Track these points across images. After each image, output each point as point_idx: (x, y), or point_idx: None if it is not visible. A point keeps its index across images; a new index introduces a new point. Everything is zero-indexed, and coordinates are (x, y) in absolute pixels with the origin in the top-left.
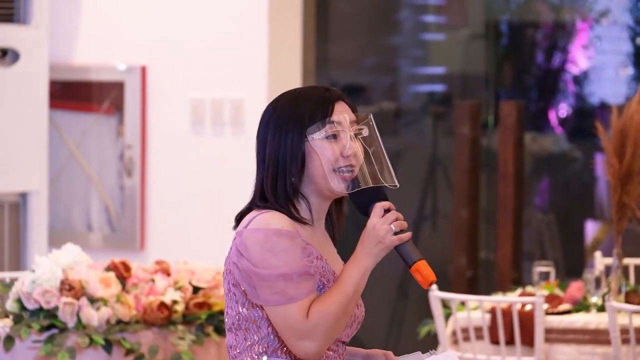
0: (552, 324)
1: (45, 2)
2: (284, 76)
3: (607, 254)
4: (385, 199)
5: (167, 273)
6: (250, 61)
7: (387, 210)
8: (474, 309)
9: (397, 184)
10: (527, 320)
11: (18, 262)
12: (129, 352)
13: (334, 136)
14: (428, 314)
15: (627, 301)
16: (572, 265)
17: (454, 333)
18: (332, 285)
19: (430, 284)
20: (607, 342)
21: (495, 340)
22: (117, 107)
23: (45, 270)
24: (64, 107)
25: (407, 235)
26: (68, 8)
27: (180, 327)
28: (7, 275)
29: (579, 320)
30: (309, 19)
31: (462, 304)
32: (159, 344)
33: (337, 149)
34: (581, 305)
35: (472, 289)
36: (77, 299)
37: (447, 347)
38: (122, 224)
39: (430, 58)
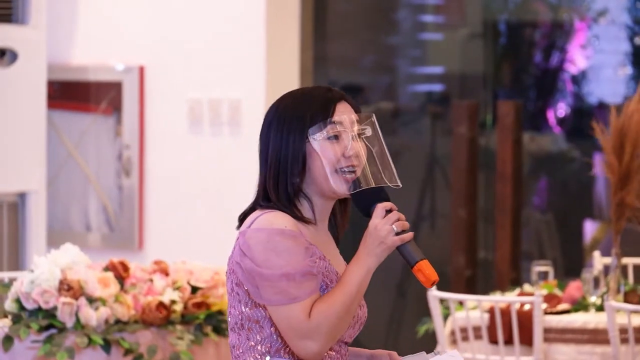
0: (550, 323)
1: (43, 2)
2: (281, 76)
3: (605, 253)
4: (387, 200)
5: (166, 273)
6: (248, 61)
7: (388, 211)
8: (473, 308)
9: (399, 184)
10: (525, 319)
11: (17, 262)
12: (127, 352)
13: (336, 137)
14: (427, 314)
15: (626, 301)
16: (571, 264)
17: (452, 333)
18: (335, 285)
19: (433, 284)
20: (606, 341)
21: (493, 340)
22: (115, 107)
23: (43, 270)
24: (62, 107)
25: (409, 235)
26: (66, 8)
27: (179, 327)
28: (5, 275)
29: (578, 319)
30: (306, 19)
31: (461, 303)
32: (158, 344)
33: (339, 149)
34: (580, 305)
35: (471, 289)
36: (76, 299)
37: (445, 347)
38: (120, 224)
39: (429, 58)
